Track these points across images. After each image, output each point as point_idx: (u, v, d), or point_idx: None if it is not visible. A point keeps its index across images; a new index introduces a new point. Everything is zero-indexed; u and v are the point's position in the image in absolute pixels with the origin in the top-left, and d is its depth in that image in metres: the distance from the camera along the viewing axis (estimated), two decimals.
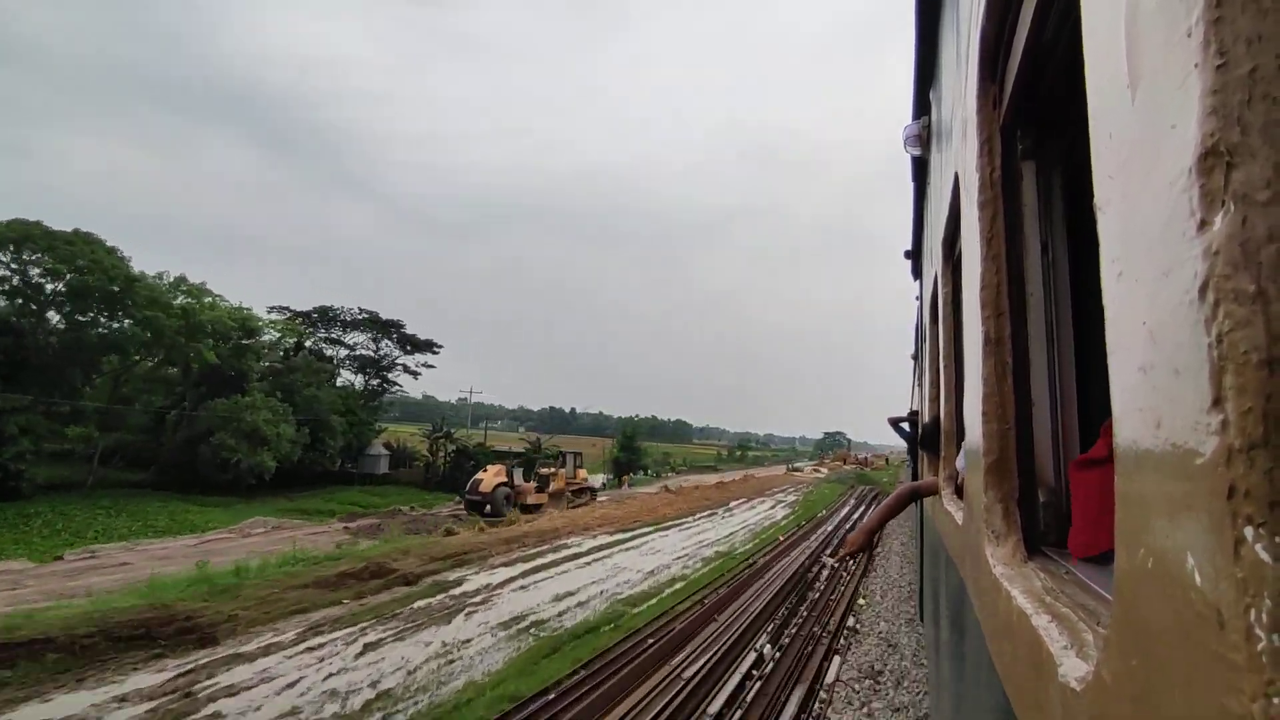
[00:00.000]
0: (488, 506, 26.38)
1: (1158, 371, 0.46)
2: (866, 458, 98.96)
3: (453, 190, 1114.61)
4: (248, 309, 36.25)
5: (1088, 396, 1.39)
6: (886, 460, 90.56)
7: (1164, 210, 0.44)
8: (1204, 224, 0.38)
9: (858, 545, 3.06)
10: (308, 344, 42.40)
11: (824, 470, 77.44)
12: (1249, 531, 0.34)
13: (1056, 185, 1.49)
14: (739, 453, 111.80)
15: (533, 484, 29.61)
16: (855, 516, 25.81)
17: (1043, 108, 1.40)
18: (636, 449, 59.90)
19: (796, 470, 75.65)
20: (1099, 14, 0.61)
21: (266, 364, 36.36)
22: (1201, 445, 0.38)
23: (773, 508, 30.67)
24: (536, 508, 28.12)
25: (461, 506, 28.65)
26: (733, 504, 31.77)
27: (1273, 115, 0.35)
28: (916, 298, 7.93)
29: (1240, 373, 0.35)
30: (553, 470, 31.80)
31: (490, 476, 27.85)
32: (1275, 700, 0.32)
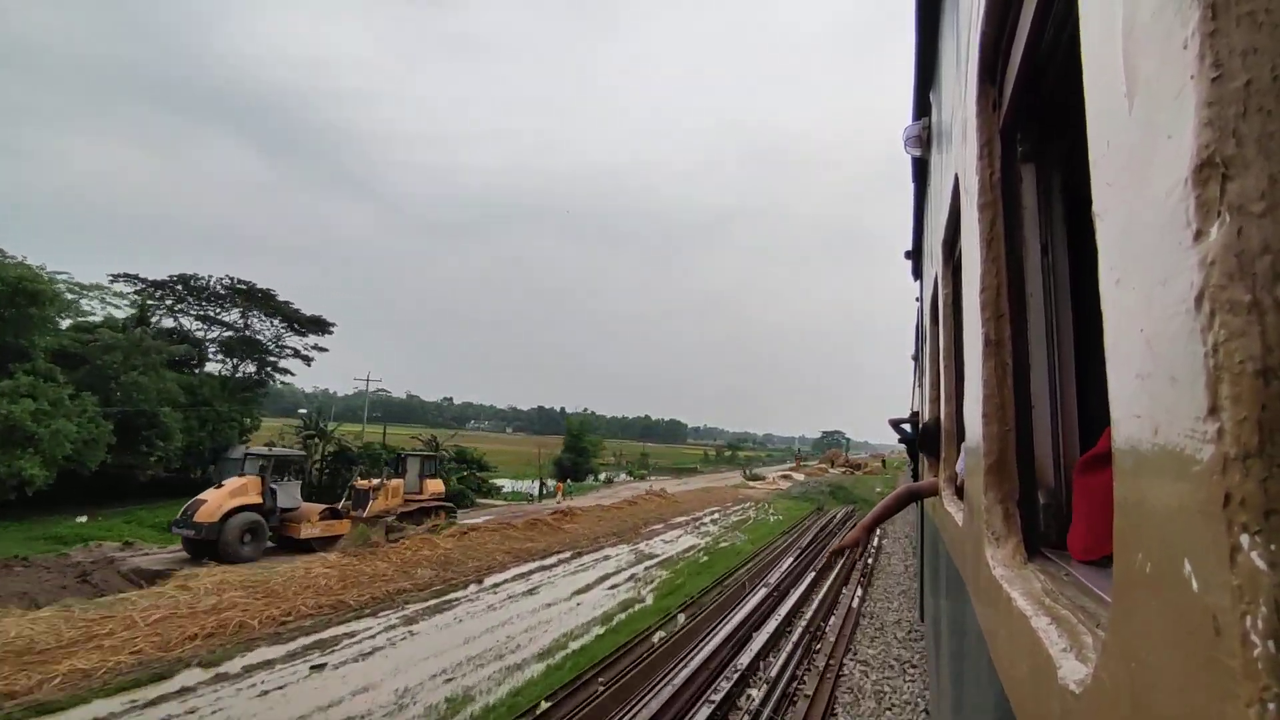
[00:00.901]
0: (219, 547, 15.80)
1: (1155, 379, 0.46)
2: (862, 459, 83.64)
3: (452, 190, 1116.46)
4: (58, 273, 26.37)
5: (1087, 398, 1.40)
6: (884, 461, 76.09)
7: (1161, 219, 0.44)
8: (1200, 234, 0.39)
9: (855, 541, 3.06)
10: (168, 322, 32.66)
11: (799, 475, 56.19)
12: (1244, 539, 0.34)
13: (1056, 188, 1.49)
14: (729, 453, 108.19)
15: (324, 505, 18.90)
16: (777, 615, 11.28)
17: (1043, 110, 1.40)
18: (585, 449, 49.83)
19: (755, 479, 52.45)
20: (1097, 21, 0.61)
21: (84, 343, 26.46)
22: (1198, 453, 0.39)
23: (598, 583, 14.93)
24: (328, 542, 17.33)
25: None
26: (503, 574, 15.58)
27: (1268, 128, 0.35)
28: (917, 299, 7.92)
29: (1236, 382, 0.35)
30: (376, 483, 20.04)
31: (223, 497, 16.46)
32: (1270, 706, 0.32)
